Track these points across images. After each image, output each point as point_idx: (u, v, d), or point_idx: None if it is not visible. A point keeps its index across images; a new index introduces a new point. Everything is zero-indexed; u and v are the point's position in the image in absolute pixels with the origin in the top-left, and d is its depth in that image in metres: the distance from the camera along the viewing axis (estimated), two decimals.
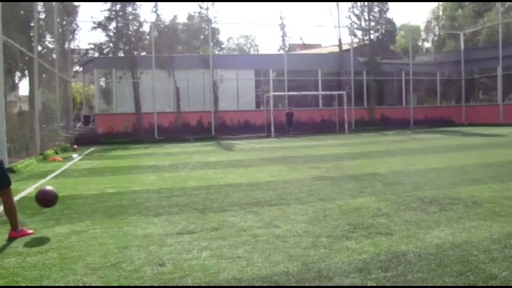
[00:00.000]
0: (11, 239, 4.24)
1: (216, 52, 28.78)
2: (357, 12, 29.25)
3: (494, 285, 2.83)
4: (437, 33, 41.76)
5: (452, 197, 5.60)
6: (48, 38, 18.24)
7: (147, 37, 25.59)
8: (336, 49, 29.93)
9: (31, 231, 4.44)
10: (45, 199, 4.78)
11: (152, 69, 23.42)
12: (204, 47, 28.46)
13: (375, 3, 29.28)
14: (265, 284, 2.95)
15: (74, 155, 14.42)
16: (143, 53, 25.44)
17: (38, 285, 3.06)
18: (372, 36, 29.45)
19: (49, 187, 4.96)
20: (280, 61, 26.70)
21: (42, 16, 17.87)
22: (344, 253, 3.51)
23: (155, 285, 2.99)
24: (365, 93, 28.39)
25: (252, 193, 6.36)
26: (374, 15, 29.54)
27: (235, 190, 6.67)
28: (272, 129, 22.86)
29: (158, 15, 25.55)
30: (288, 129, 23.42)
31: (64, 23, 21.77)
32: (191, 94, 25.44)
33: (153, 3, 25.57)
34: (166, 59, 23.83)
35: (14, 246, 3.97)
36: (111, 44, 24.69)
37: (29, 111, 16.18)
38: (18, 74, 18.75)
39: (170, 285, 2.98)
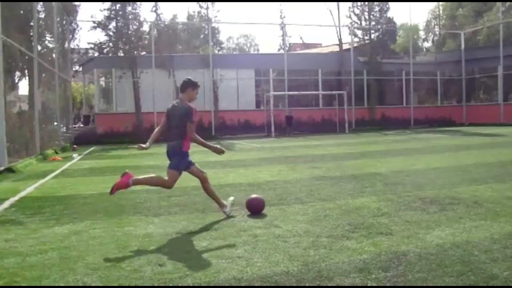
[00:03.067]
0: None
1: (216, 51, 28.78)
2: (357, 11, 29.27)
3: (495, 285, 2.82)
4: (437, 33, 41.72)
5: (453, 197, 5.59)
6: (48, 37, 18.23)
7: (147, 36, 25.59)
8: (337, 49, 29.92)
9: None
10: (255, 207, 5.13)
11: (152, 69, 23.42)
12: (204, 46, 28.46)
13: (376, 2, 29.26)
14: (265, 284, 2.94)
15: (74, 155, 14.41)
16: (143, 53, 25.44)
17: (38, 285, 3.05)
18: (372, 36, 29.45)
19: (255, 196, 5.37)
20: (280, 60, 26.69)
21: (42, 15, 17.86)
22: (344, 253, 3.50)
23: (155, 285, 2.98)
24: (365, 92, 28.39)
25: (252, 193, 6.34)
26: (375, 14, 29.55)
27: (235, 190, 6.66)
28: (272, 129, 22.85)
29: (158, 15, 25.63)
30: (288, 129, 23.44)
31: (64, 22, 21.75)
32: None
33: (153, 3, 25.60)
34: (166, 59, 23.83)
35: (14, 246, 3.96)
36: (111, 44, 24.69)
37: (29, 110, 16.17)
38: (18, 73, 18.75)
39: (170, 285, 2.97)
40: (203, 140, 5.02)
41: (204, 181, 5.10)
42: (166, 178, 4.98)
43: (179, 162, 5.03)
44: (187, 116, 4.83)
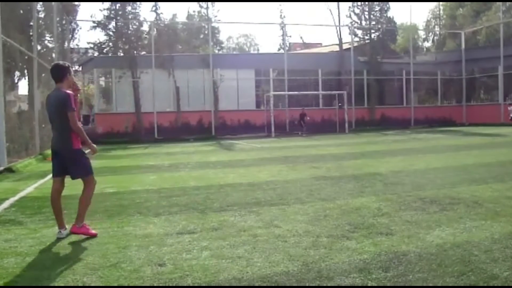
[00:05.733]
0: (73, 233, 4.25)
1: (216, 51, 28.77)
2: (357, 11, 29.25)
3: (495, 285, 2.82)
4: (437, 33, 41.73)
5: (453, 197, 5.59)
6: (48, 37, 18.23)
7: (147, 36, 25.59)
8: (337, 48, 29.90)
9: (94, 232, 4.30)
10: None
11: (152, 69, 23.41)
12: (204, 46, 28.45)
13: (376, 2, 29.24)
14: (265, 284, 2.94)
15: None
16: (143, 53, 25.44)
17: (38, 285, 3.04)
18: (372, 35, 29.43)
19: None
20: (280, 60, 26.68)
21: (42, 15, 17.86)
22: (344, 253, 3.50)
23: (155, 285, 2.98)
24: (365, 92, 28.37)
25: (252, 193, 6.35)
26: (375, 14, 29.54)
27: (235, 190, 6.66)
28: (272, 129, 22.85)
29: (158, 14, 25.58)
30: (301, 129, 23.25)
31: (64, 22, 21.76)
32: (191, 94, 25.43)
33: (152, 3, 25.57)
34: (166, 59, 23.82)
35: (14, 246, 3.96)
36: (110, 44, 24.70)
37: (29, 110, 16.17)
38: (17, 73, 18.75)
39: (170, 285, 2.97)
40: (85, 135, 4.38)
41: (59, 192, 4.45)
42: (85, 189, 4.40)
43: (80, 163, 4.36)
44: (66, 104, 4.18)
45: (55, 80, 4.35)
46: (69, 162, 4.31)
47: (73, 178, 4.39)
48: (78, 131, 4.30)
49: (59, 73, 4.31)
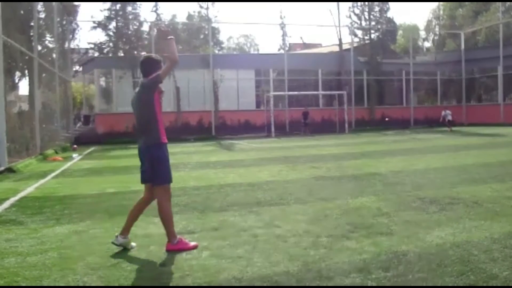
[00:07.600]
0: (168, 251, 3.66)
1: (216, 51, 28.77)
2: (357, 11, 29.21)
3: (495, 285, 2.82)
4: (437, 33, 41.72)
5: (453, 197, 5.59)
6: (48, 37, 18.25)
7: (147, 36, 25.60)
8: (337, 49, 29.91)
9: (193, 243, 3.74)
10: None
11: None
12: (204, 46, 28.47)
13: (376, 2, 29.24)
14: (265, 284, 2.94)
15: (74, 155, 14.41)
16: (143, 53, 25.42)
17: (38, 285, 3.05)
18: (372, 36, 29.43)
19: None
20: (280, 60, 26.69)
21: (42, 15, 17.88)
22: (344, 253, 3.50)
23: (155, 285, 2.99)
24: (365, 93, 28.38)
25: (252, 193, 6.36)
26: (375, 14, 29.51)
27: (235, 190, 6.67)
28: (273, 129, 22.85)
29: (158, 15, 25.63)
30: (304, 128, 23.19)
31: (64, 22, 21.77)
32: (191, 94, 25.43)
33: (153, 3, 25.62)
34: (166, 59, 23.81)
35: (14, 246, 3.96)
36: (111, 44, 24.70)
37: (29, 110, 16.17)
38: (18, 73, 18.76)
39: (170, 285, 2.98)
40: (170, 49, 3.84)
41: (147, 203, 3.97)
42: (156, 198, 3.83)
43: (163, 166, 3.75)
44: (151, 80, 3.82)
45: (143, 75, 3.96)
46: (152, 163, 3.71)
47: (154, 185, 3.78)
48: (174, 57, 3.85)
49: (148, 67, 3.94)
